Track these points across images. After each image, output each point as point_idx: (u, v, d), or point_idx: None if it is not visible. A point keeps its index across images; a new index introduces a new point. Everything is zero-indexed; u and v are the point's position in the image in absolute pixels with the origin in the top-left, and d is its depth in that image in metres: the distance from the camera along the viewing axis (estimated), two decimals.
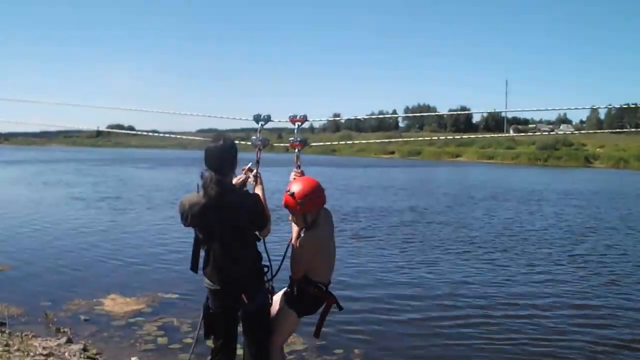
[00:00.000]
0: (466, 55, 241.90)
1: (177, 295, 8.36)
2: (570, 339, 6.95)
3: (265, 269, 3.90)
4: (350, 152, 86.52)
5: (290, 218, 3.95)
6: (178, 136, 7.07)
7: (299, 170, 4.13)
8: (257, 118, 4.35)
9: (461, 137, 73.42)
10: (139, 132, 28.87)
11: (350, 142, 6.96)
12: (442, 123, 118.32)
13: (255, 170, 4.02)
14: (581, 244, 13.81)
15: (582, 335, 7.08)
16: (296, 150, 4.20)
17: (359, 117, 15.94)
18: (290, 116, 4.33)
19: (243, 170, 3.99)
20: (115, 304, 7.87)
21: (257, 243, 3.84)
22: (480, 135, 74.80)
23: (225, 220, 3.63)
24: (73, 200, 21.48)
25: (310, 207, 3.85)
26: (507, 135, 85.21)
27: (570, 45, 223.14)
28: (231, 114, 5.83)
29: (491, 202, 23.23)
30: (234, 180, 3.84)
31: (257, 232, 3.80)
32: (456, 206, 21.64)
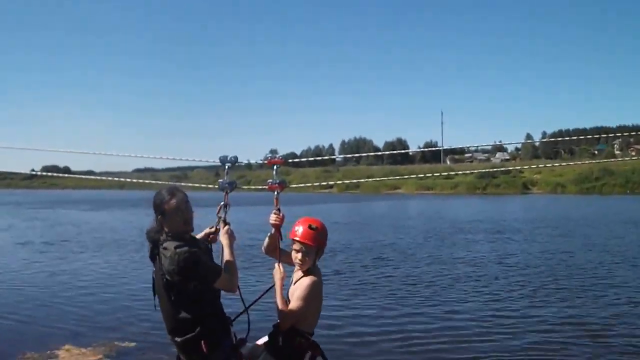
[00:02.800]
0: (400, 86, 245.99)
1: (134, 344, 8.01)
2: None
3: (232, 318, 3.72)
4: (288, 189, 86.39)
5: (294, 257, 3.74)
6: (115, 178, 6.58)
7: (280, 214, 3.92)
8: (223, 160, 4.11)
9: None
10: (75, 175, 28.04)
11: (332, 182, 6.42)
12: (378, 156, 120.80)
13: (218, 228, 3.89)
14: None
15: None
16: (275, 192, 4.01)
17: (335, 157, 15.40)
18: (267, 156, 4.13)
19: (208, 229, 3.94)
20: (71, 356, 7.45)
21: (206, 297, 3.53)
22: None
23: (159, 270, 3.48)
24: (16, 246, 20.23)
25: (325, 242, 3.81)
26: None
27: (502, 74, 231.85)
28: (195, 156, 5.61)
29: (459, 235, 23.38)
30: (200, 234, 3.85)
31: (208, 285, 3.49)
32: (426, 240, 21.53)
